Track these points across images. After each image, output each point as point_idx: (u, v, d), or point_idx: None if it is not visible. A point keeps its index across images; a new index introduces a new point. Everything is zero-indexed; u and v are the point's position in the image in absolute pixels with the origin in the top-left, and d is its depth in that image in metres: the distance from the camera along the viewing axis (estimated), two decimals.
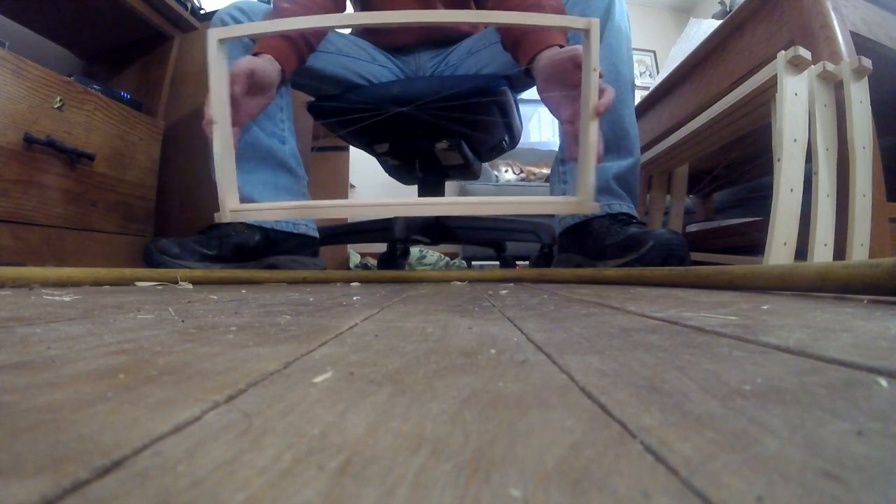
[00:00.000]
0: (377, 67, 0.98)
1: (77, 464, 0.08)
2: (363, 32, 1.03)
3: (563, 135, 0.64)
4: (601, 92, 0.58)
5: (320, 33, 0.87)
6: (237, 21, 0.84)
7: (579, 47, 0.62)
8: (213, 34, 0.55)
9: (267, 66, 0.69)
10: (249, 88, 0.64)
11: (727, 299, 0.35)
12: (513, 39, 0.76)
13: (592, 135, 0.51)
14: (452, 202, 0.57)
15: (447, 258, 2.21)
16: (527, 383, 0.14)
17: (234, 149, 0.57)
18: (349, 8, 1.02)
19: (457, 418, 0.11)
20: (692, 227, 1.36)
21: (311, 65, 0.90)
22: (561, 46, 0.69)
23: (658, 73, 3.02)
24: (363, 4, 1.02)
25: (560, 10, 0.74)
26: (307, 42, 0.80)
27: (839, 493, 0.07)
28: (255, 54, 0.73)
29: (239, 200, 0.57)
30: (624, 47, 0.81)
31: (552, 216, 0.93)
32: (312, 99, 1.02)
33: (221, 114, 0.55)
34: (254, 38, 0.80)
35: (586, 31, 0.55)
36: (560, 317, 0.29)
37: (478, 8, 1.02)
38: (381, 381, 0.14)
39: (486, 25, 0.88)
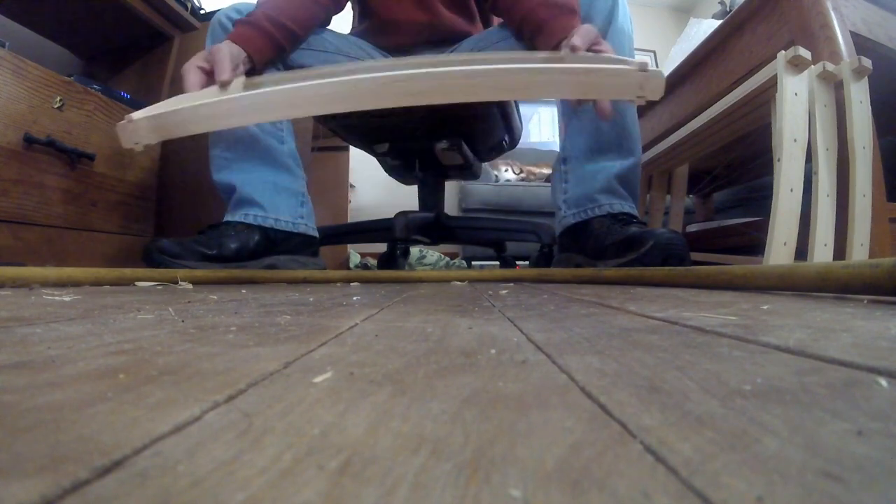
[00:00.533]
0: None
1: (77, 464, 0.08)
2: (362, 32, 1.03)
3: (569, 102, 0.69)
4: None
5: (308, 25, 0.87)
6: (233, 21, 0.84)
7: (591, 27, 0.65)
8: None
9: (224, 49, 0.71)
10: (207, 76, 0.68)
11: (727, 299, 0.35)
12: (531, 30, 0.77)
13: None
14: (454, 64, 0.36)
15: (447, 258, 2.21)
16: (527, 383, 0.14)
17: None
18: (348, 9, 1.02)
19: (457, 418, 0.11)
20: (692, 227, 1.36)
21: (309, 65, 0.90)
22: None
23: None
24: (362, 3, 1.02)
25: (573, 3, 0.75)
26: (289, 33, 0.81)
27: (839, 493, 0.07)
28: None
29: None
30: (627, 48, 0.81)
31: (552, 216, 0.93)
32: None
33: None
34: (233, 25, 0.82)
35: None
36: (560, 317, 0.29)
37: (478, 7, 1.02)
38: (381, 381, 0.14)
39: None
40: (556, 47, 0.70)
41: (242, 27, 0.77)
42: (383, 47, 1.01)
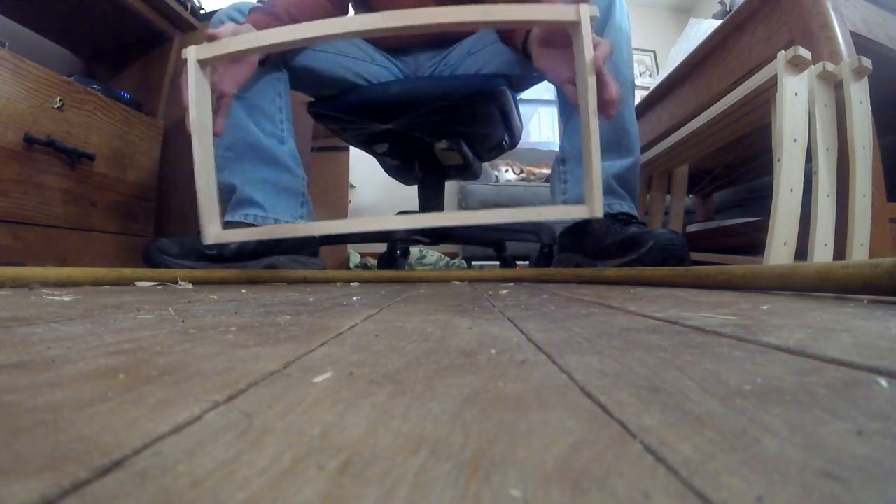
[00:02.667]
0: (376, 67, 0.98)
1: (77, 464, 0.08)
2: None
3: (567, 98, 0.63)
4: (595, 44, 0.56)
5: None
6: (234, 20, 0.84)
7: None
8: (192, 54, 0.55)
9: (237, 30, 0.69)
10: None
11: (727, 299, 0.35)
12: (506, 29, 0.77)
13: (594, 138, 0.50)
14: (455, 215, 0.53)
15: (447, 258, 2.22)
16: (527, 383, 0.14)
17: (215, 141, 0.59)
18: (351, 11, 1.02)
19: (457, 418, 0.11)
20: (692, 227, 1.36)
21: (309, 65, 0.90)
22: None
23: (658, 73, 3.02)
24: (364, 4, 1.02)
25: None
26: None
27: (839, 493, 0.07)
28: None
29: (221, 207, 0.58)
30: (624, 46, 0.81)
31: None
32: (312, 99, 1.02)
33: (202, 129, 0.55)
34: (244, 16, 0.82)
35: (574, 24, 0.51)
36: (560, 317, 0.29)
37: None
38: (381, 381, 0.14)
39: (485, 24, 0.88)
40: (527, 37, 0.70)
41: (262, 16, 0.76)
42: (383, 48, 1.01)
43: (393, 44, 1.01)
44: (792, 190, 0.67)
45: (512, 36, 0.76)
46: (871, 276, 0.30)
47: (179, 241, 0.79)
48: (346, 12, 0.97)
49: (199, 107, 0.55)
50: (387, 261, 1.37)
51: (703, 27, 1.24)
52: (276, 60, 0.84)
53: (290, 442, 0.09)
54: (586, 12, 0.50)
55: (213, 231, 0.54)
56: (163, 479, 0.08)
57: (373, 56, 0.98)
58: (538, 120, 3.17)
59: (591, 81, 0.50)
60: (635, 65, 1.39)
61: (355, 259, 2.03)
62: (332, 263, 1.77)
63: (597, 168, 0.48)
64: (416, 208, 1.22)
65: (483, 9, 0.53)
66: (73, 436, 0.09)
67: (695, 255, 0.98)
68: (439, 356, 0.18)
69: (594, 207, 0.45)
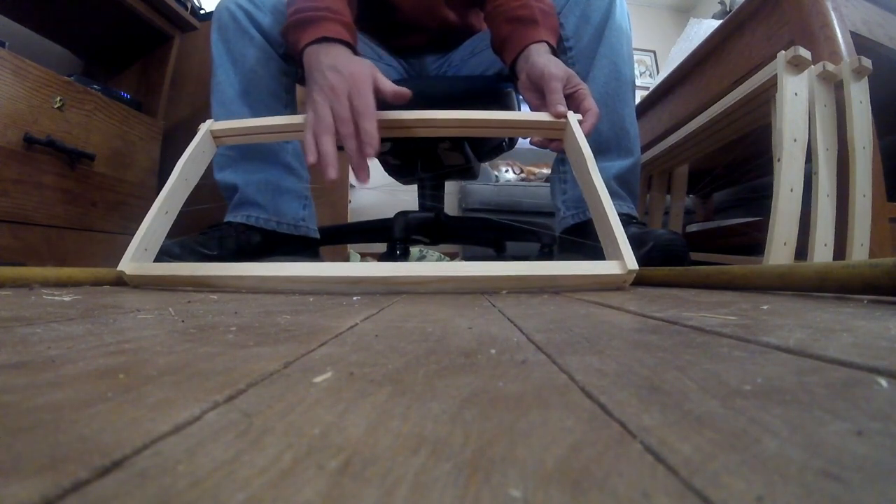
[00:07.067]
0: (383, 66, 0.97)
1: (77, 464, 0.08)
2: (370, 31, 1.02)
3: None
4: (586, 111, 0.64)
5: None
6: (244, 10, 0.80)
7: (552, 66, 0.66)
8: (205, 126, 0.64)
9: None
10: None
11: (727, 299, 0.35)
12: (499, 45, 0.78)
13: (607, 204, 0.53)
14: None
15: (447, 258, 2.22)
16: (527, 383, 0.14)
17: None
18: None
19: (457, 418, 0.11)
20: (692, 227, 1.36)
21: None
22: (549, 44, 0.70)
23: (658, 73, 3.02)
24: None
25: (549, 6, 0.75)
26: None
27: (839, 493, 0.07)
28: (324, 38, 0.65)
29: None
30: (625, 46, 0.81)
31: (552, 216, 0.93)
32: None
33: (182, 179, 0.64)
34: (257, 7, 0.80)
35: (563, 129, 0.61)
36: (560, 317, 0.29)
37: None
38: (381, 381, 0.14)
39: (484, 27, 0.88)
40: (516, 59, 0.72)
41: (342, 28, 0.67)
42: (390, 48, 1.00)
43: (402, 44, 1.01)
44: (792, 190, 0.67)
45: (503, 54, 0.77)
46: (871, 276, 0.30)
47: (180, 241, 0.78)
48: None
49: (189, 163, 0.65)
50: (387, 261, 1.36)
51: (703, 27, 1.24)
52: (283, 53, 0.83)
53: (290, 442, 0.09)
54: (573, 119, 0.62)
55: (131, 265, 0.54)
56: (163, 479, 0.08)
57: (380, 55, 0.98)
58: None
59: (595, 175, 0.55)
60: (635, 65, 1.39)
61: (355, 259, 2.03)
62: None
63: (617, 229, 0.50)
64: (416, 208, 1.22)
65: (490, 113, 0.66)
66: (73, 436, 0.09)
67: (695, 255, 0.98)
68: (439, 356, 0.18)
69: (625, 260, 0.47)
